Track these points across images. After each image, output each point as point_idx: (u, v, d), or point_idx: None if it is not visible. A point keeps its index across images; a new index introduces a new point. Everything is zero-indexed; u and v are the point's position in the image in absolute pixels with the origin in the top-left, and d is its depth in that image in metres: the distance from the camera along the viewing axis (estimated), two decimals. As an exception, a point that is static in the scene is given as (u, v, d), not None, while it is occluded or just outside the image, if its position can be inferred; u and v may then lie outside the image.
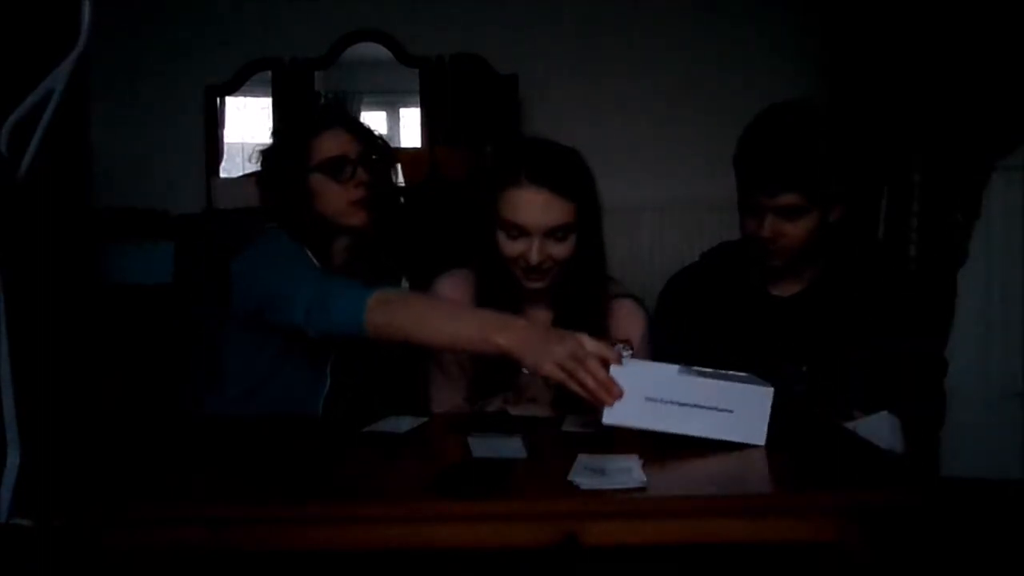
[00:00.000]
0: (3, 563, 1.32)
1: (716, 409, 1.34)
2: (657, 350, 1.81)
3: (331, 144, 1.72)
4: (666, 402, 1.34)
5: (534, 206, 1.61)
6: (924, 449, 1.69)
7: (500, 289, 1.70)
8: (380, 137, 1.86)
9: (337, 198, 1.71)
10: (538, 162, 1.65)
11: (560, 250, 1.65)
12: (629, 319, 1.78)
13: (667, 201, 3.62)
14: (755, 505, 1.14)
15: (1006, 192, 3.14)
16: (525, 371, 1.74)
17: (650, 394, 1.34)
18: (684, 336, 1.78)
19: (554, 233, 1.63)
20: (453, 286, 1.77)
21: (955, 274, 2.79)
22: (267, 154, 1.78)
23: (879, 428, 1.49)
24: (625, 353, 1.75)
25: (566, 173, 1.66)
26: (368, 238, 1.77)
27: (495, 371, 1.71)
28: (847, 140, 1.76)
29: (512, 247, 1.65)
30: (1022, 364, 3.19)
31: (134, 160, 3.38)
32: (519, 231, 1.63)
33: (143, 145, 3.44)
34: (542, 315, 1.76)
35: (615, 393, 1.32)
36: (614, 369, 1.35)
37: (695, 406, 1.34)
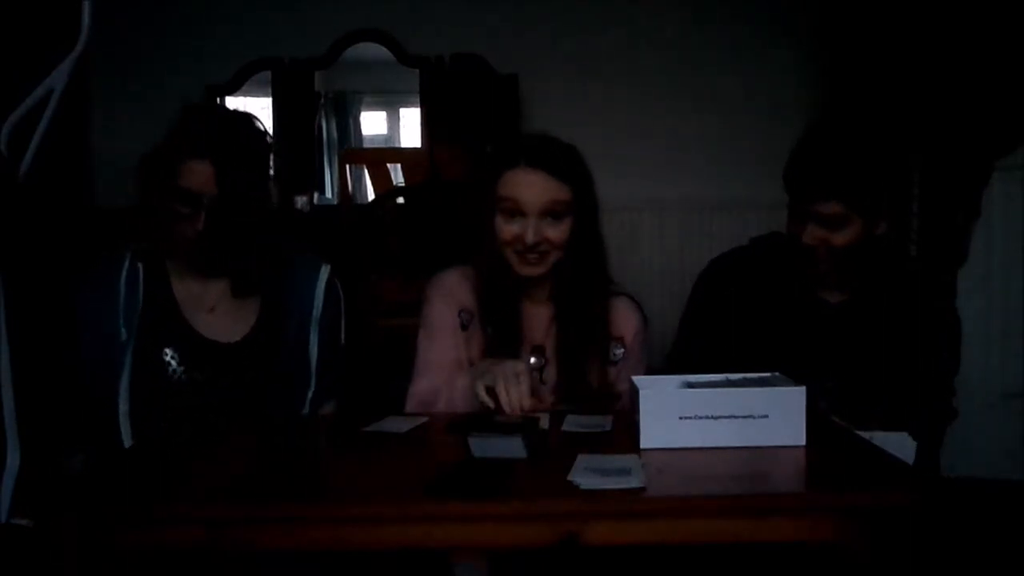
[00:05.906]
0: (3, 563, 1.32)
1: (752, 416, 1.34)
2: (687, 331, 1.84)
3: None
4: (700, 418, 1.34)
5: (531, 184, 1.67)
6: (925, 450, 1.68)
7: (500, 284, 1.71)
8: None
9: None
10: (537, 148, 1.72)
11: (556, 233, 1.67)
12: (623, 317, 1.78)
13: (667, 201, 3.62)
14: (755, 505, 1.14)
15: (1006, 192, 3.14)
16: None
17: (683, 412, 1.34)
18: (720, 322, 1.79)
19: (550, 213, 1.66)
20: (459, 278, 1.77)
21: (955, 274, 2.79)
22: (140, 167, 1.91)
23: (894, 446, 1.48)
24: (617, 351, 1.76)
25: (563, 160, 1.71)
26: (205, 250, 1.73)
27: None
28: (894, 155, 1.78)
29: (509, 229, 1.68)
30: (1022, 364, 3.19)
31: (134, 160, 3.37)
32: (516, 210, 1.66)
33: (143, 145, 3.42)
34: (542, 311, 1.76)
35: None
36: (643, 394, 1.35)
37: (730, 417, 1.34)
